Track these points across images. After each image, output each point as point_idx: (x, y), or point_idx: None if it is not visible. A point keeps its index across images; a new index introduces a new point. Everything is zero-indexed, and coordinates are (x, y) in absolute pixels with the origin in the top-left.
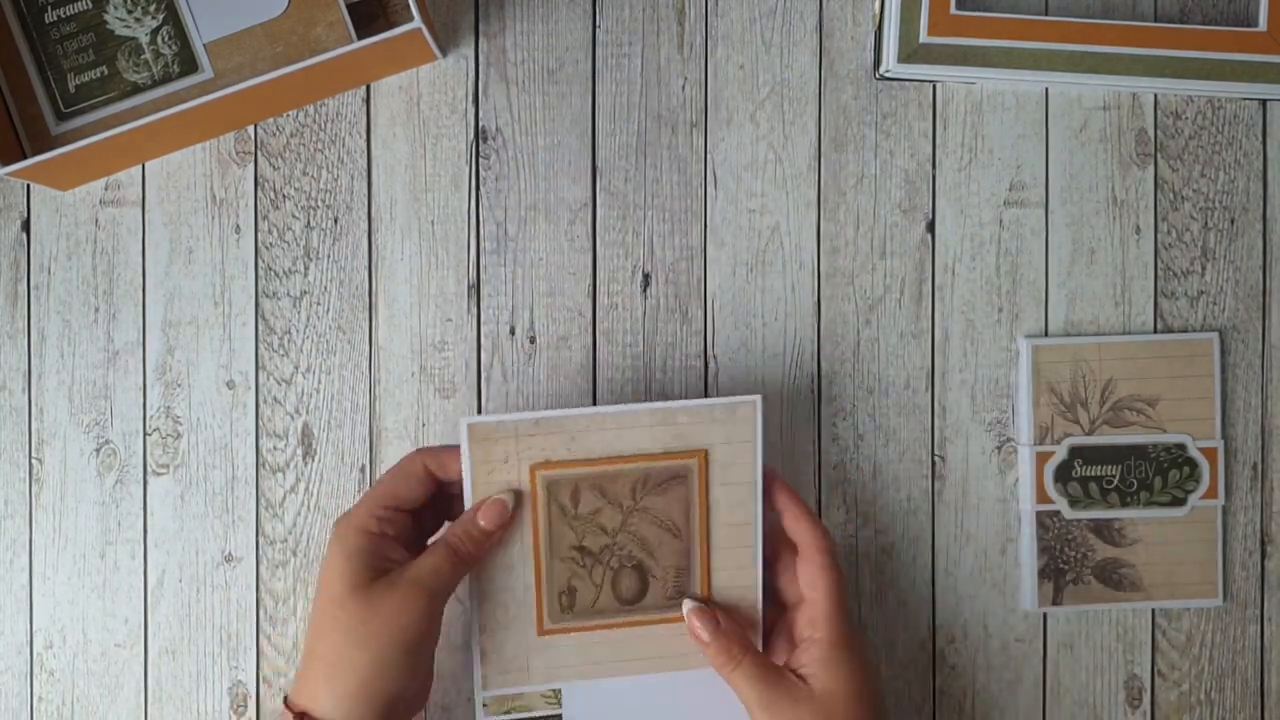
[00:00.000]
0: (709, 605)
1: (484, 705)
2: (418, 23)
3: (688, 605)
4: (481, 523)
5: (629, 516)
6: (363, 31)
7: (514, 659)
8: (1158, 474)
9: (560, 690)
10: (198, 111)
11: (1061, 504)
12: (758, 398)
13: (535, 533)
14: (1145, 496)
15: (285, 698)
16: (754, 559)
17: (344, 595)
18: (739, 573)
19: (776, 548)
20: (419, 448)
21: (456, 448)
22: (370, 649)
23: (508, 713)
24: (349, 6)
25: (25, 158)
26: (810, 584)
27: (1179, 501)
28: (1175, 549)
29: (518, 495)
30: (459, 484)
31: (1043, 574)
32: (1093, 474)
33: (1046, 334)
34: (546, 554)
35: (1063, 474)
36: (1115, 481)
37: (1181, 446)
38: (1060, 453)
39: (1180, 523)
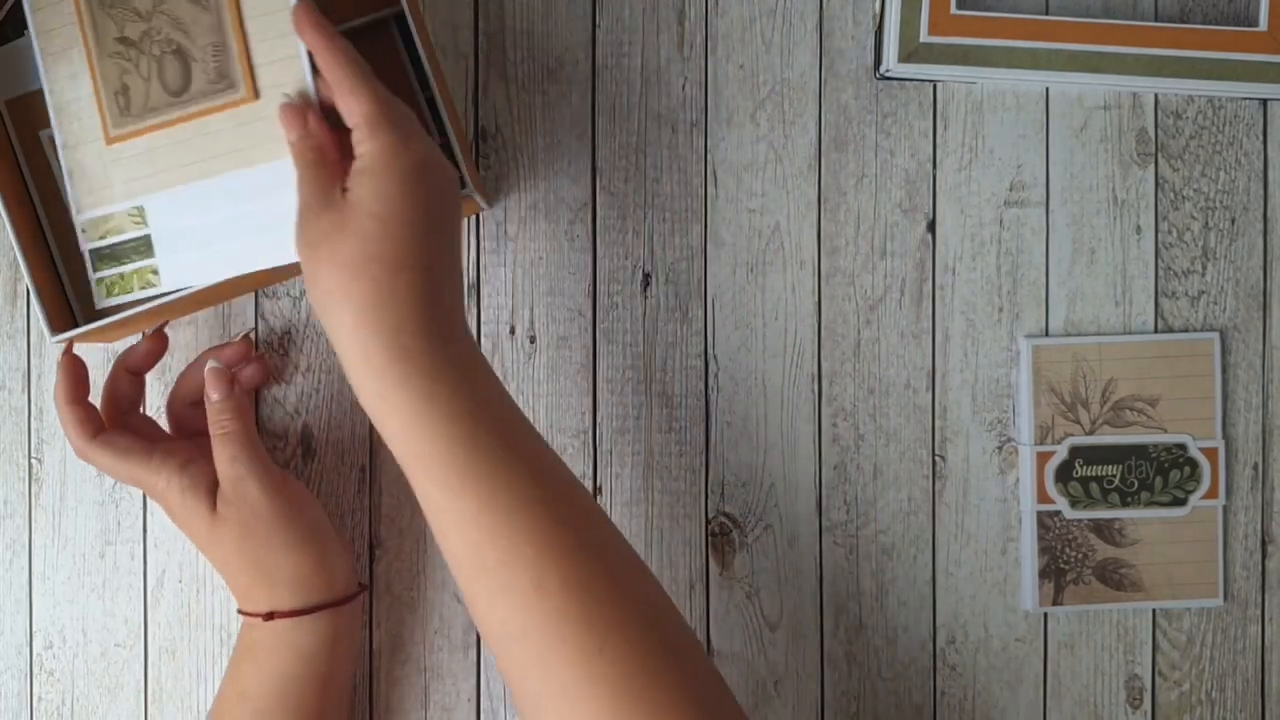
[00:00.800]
0: (298, 104)
1: (83, 231)
2: (470, 191)
3: (281, 100)
4: (214, 396)
5: None
6: None
7: (96, 175)
8: (1158, 474)
9: (143, 207)
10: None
11: (1062, 504)
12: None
13: (83, 30)
14: (1146, 496)
15: (241, 614)
16: (299, 52)
17: (197, 514)
18: (285, 65)
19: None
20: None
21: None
22: (265, 539)
23: (103, 238)
24: None
25: (76, 325)
26: (347, 110)
27: (1180, 502)
28: (1175, 549)
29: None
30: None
31: (1043, 574)
32: (1093, 474)
33: (1047, 334)
34: (97, 52)
35: (1064, 474)
36: (1116, 481)
37: (1182, 446)
38: (1061, 452)
39: (1181, 523)
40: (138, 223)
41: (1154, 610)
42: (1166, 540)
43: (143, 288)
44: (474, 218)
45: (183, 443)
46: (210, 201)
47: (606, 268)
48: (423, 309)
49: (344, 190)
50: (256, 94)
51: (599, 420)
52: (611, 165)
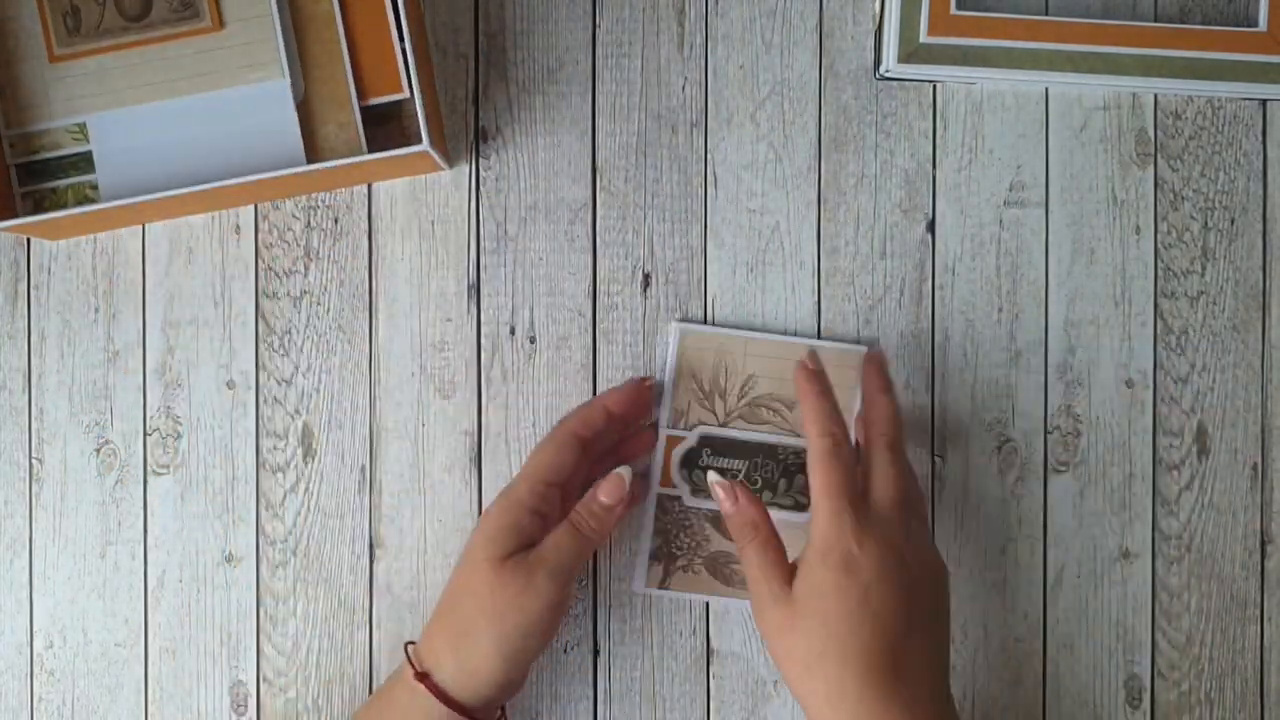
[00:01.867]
0: (730, 480)
1: (11, 146)
2: (425, 145)
3: (712, 476)
4: (603, 499)
5: None
6: (374, 132)
7: (32, 93)
8: (784, 476)
9: (85, 124)
10: (194, 196)
11: (683, 490)
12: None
13: None
14: (769, 497)
15: (408, 647)
16: None
17: (482, 565)
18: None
19: None
20: (562, 419)
21: (590, 404)
22: (496, 624)
23: (35, 152)
24: (364, 108)
25: (15, 216)
26: (812, 483)
27: (802, 507)
28: (790, 553)
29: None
30: (603, 442)
31: (654, 556)
32: (718, 465)
33: (705, 322)
34: None
35: (689, 460)
36: (740, 477)
37: None
38: (690, 439)
39: (798, 528)
40: (78, 139)
41: (1152, 610)
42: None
43: (79, 203)
44: (474, 218)
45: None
46: (163, 121)
47: (606, 268)
48: (880, 705)
49: (791, 571)
50: (221, 24)
51: None
52: (611, 165)
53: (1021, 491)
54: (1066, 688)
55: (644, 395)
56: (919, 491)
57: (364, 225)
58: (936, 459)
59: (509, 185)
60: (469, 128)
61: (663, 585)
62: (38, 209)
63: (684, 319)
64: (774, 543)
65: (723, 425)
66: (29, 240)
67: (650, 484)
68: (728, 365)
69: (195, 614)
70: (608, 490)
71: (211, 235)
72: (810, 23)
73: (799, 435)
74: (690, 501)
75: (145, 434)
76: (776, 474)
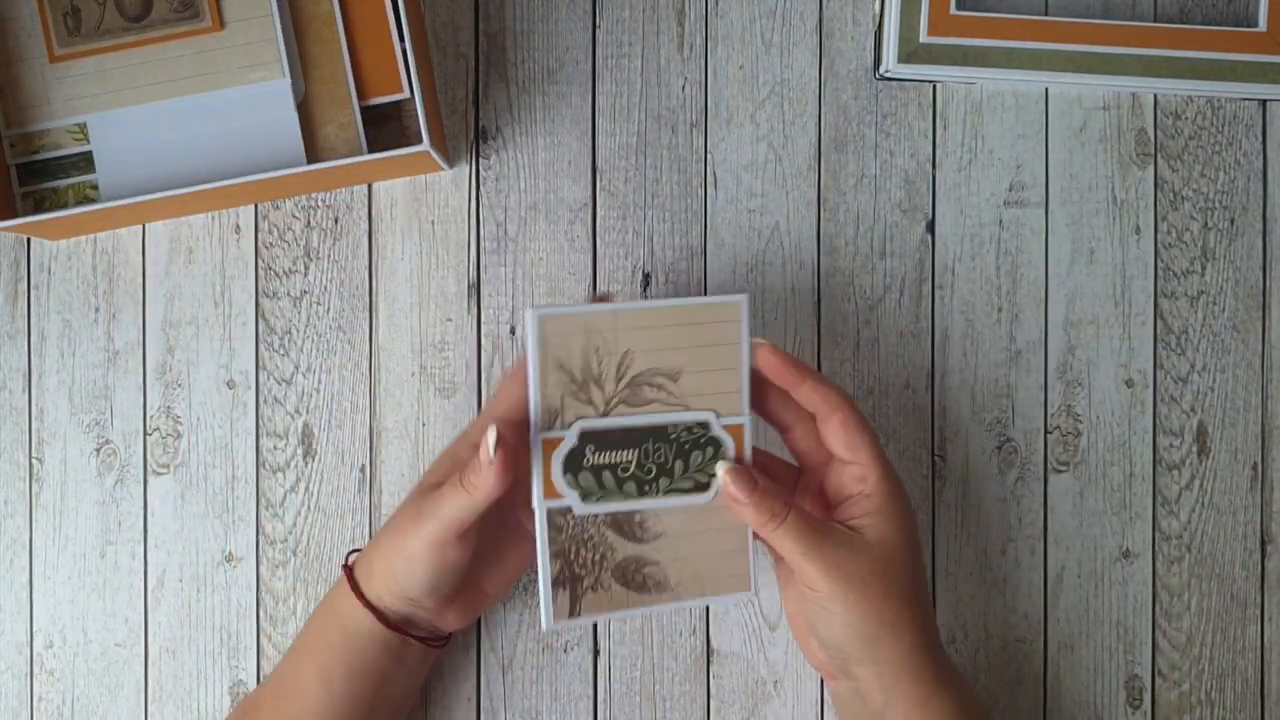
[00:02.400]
0: (741, 466)
1: (11, 146)
2: (426, 145)
3: (722, 467)
4: (480, 455)
5: None
6: (374, 132)
7: (33, 93)
8: (679, 457)
9: (85, 124)
10: (194, 196)
11: (572, 498)
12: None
13: None
14: (666, 483)
15: (347, 561)
16: (743, 386)
17: (415, 489)
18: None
19: (783, 413)
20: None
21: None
22: (397, 541)
23: (35, 152)
24: (364, 108)
25: (16, 216)
26: (851, 446)
27: (703, 486)
28: (703, 540)
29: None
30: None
31: (557, 582)
32: (606, 461)
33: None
34: None
35: (573, 463)
36: (632, 468)
37: (704, 425)
38: (570, 438)
39: (707, 510)
40: (78, 139)
41: (1152, 610)
42: (692, 531)
43: (79, 202)
44: (474, 218)
45: None
46: (163, 121)
47: (606, 268)
48: (935, 627)
49: (851, 528)
50: (221, 24)
51: None
52: (611, 165)
53: (1022, 491)
54: (1067, 688)
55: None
56: None
57: (364, 225)
58: (936, 459)
59: (509, 185)
60: (469, 128)
61: (574, 614)
62: (38, 209)
63: (537, 305)
64: (804, 510)
65: (604, 415)
66: (29, 240)
67: (534, 501)
68: (598, 346)
69: (195, 614)
70: (482, 449)
71: (211, 235)
72: (810, 23)
73: (689, 408)
74: (582, 509)
75: (145, 434)
76: (670, 456)
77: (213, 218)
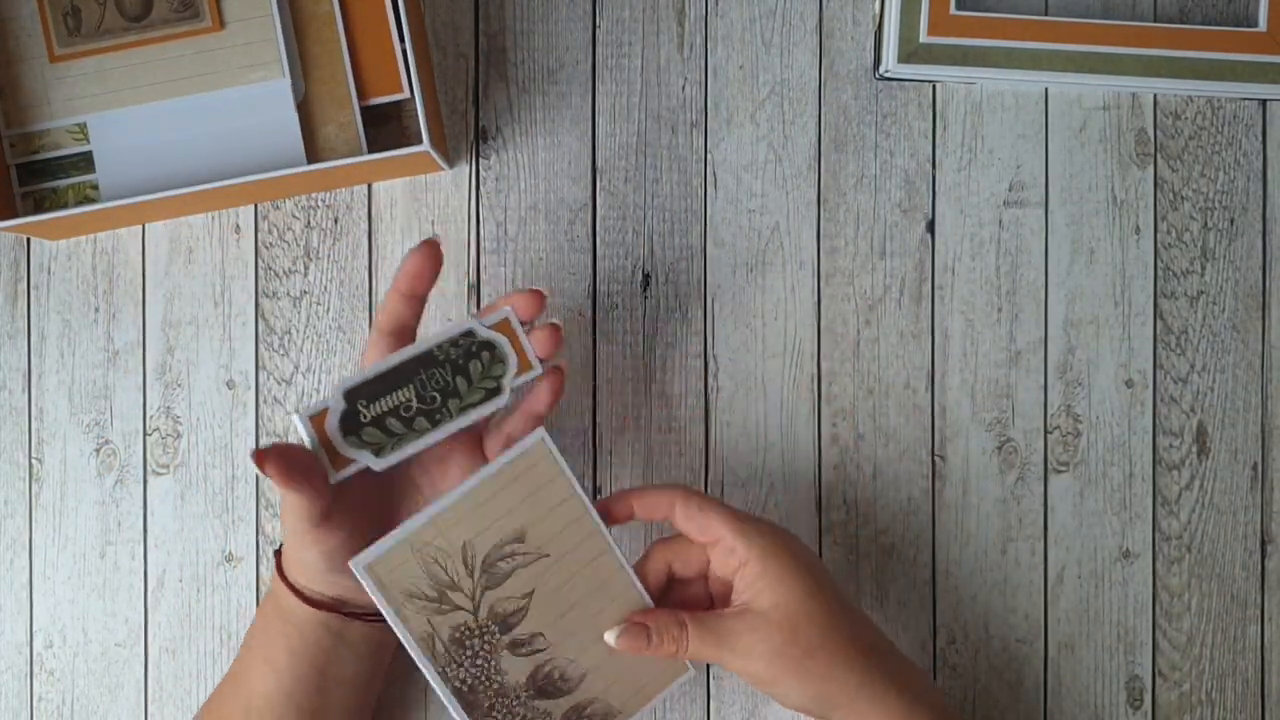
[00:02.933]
0: (625, 622)
1: (11, 146)
2: (426, 146)
3: (609, 637)
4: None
5: None
6: (374, 132)
7: (33, 93)
8: (458, 374)
9: (85, 124)
10: (195, 196)
11: (365, 457)
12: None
13: None
14: (456, 404)
15: (278, 548)
16: (619, 561)
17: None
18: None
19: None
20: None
21: (386, 300)
22: (288, 535)
23: (35, 152)
24: (364, 108)
25: (16, 216)
26: (703, 529)
27: (494, 392)
28: (622, 659)
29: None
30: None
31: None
32: (385, 408)
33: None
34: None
35: (350, 425)
36: (414, 404)
37: (469, 333)
38: (335, 404)
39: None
40: (78, 139)
41: (1154, 610)
42: (612, 653)
43: (79, 202)
44: (474, 218)
45: None
46: (163, 121)
47: (606, 268)
48: (872, 639)
49: (744, 607)
50: (221, 24)
51: (599, 420)
52: (611, 165)
53: (1022, 492)
54: (1067, 688)
55: (431, 258)
56: None
57: (364, 225)
58: (937, 459)
59: (509, 185)
60: (469, 128)
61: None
62: (38, 209)
63: (361, 560)
64: (701, 619)
65: (475, 611)
66: (29, 240)
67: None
68: (435, 557)
69: (195, 614)
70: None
71: (211, 235)
72: (810, 23)
73: (550, 555)
74: (380, 463)
75: (145, 434)
76: (450, 376)
77: (212, 218)
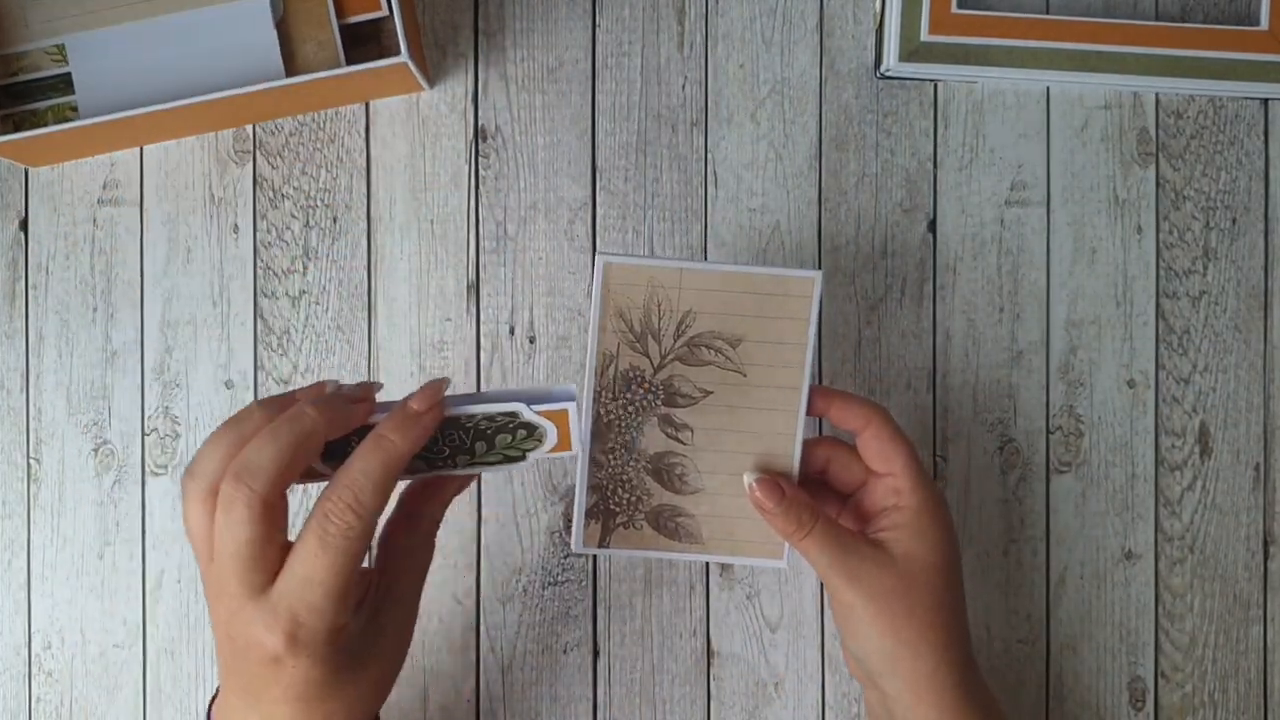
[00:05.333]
0: (769, 475)
1: None
2: (404, 57)
3: (749, 478)
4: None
5: None
6: (355, 53)
7: (10, 15)
8: (478, 439)
9: (64, 45)
10: (178, 115)
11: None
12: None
13: None
14: (465, 460)
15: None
16: (798, 425)
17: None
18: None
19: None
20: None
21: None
22: None
23: (14, 75)
24: (344, 27)
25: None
26: (885, 458)
27: (518, 459)
28: (743, 503)
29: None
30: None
31: (590, 514)
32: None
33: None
34: None
35: (334, 450)
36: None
37: (512, 414)
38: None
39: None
40: (57, 60)
41: (1155, 610)
42: (733, 492)
43: (58, 123)
44: (474, 217)
45: None
46: (142, 42)
47: None
48: (967, 651)
49: (879, 542)
50: None
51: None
52: (611, 165)
53: (1023, 492)
54: (1070, 689)
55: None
56: None
57: (363, 224)
58: (938, 459)
59: (509, 184)
60: (469, 127)
61: (603, 544)
62: (18, 131)
63: (605, 251)
64: (835, 525)
65: (657, 370)
66: (27, 240)
67: (574, 444)
68: (661, 302)
69: (194, 614)
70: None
71: (210, 235)
72: (811, 22)
73: (744, 375)
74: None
75: (143, 434)
76: (469, 439)
77: (210, 216)
